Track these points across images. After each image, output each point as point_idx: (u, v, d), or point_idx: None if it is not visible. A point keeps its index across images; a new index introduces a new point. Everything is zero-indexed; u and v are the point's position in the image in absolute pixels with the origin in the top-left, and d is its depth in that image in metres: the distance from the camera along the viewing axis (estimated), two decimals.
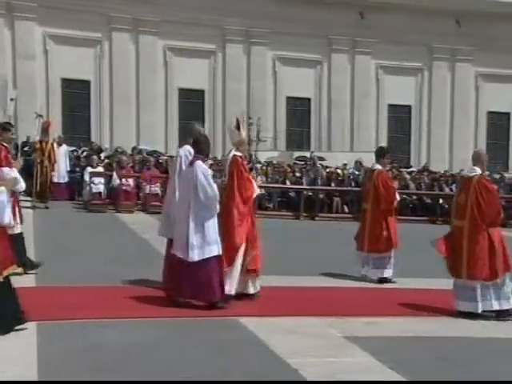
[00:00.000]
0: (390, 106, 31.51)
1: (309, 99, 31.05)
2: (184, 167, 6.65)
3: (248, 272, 6.66)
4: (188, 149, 6.86)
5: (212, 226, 6.18)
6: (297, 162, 24.16)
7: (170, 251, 6.55)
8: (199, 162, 6.26)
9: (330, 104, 31.01)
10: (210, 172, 6.27)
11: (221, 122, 29.76)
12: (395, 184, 8.91)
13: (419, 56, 30.71)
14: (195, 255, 6.08)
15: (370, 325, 6.13)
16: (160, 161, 19.76)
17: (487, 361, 5.23)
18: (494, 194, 6.68)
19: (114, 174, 15.77)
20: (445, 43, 30.51)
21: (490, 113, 32.45)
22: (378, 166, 8.51)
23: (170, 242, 6.63)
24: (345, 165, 22.62)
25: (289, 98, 30.79)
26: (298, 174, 19.87)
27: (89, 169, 16.08)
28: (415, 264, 8.90)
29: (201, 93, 29.68)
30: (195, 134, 6.77)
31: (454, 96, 31.87)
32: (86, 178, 15.74)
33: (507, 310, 6.51)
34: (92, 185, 15.30)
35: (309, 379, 4.55)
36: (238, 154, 6.80)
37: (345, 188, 19.24)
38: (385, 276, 8.29)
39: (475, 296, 6.43)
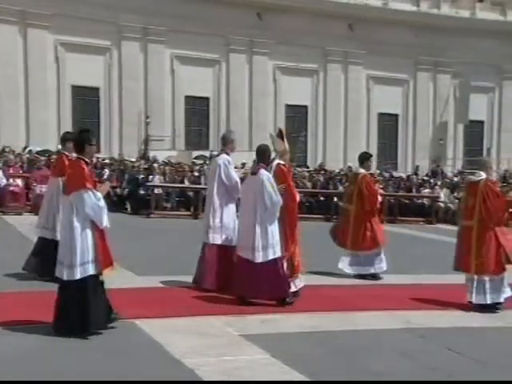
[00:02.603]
0: (288, 106, 32.11)
1: (207, 98, 31.00)
2: (223, 176, 7.26)
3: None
4: (226, 158, 7.40)
5: (275, 229, 6.69)
6: (195, 161, 24.02)
7: (209, 254, 7.30)
8: (263, 171, 6.73)
9: (228, 103, 31.11)
10: (273, 180, 6.71)
11: (117, 121, 28.95)
12: (377, 187, 9.38)
13: (314, 57, 31.55)
14: (261, 256, 6.58)
15: (266, 322, 6.17)
16: (52, 160, 18.90)
17: (382, 354, 5.41)
18: (499, 196, 7.26)
19: (0, 173, 14.92)
20: (338, 46, 31.56)
21: (380, 114, 34.00)
22: (362, 170, 9.03)
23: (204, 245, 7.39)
24: (243, 164, 22.79)
25: (187, 97, 30.52)
26: (196, 174, 19.78)
27: None
28: (318, 259, 9.08)
29: (96, 90, 28.68)
30: (258, 145, 7.18)
31: (348, 97, 33.06)
32: None
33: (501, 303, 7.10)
34: None
35: (204, 379, 4.49)
36: (282, 162, 7.18)
37: None
38: (377, 271, 8.76)
39: (485, 289, 6.99)
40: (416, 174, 26.61)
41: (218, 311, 6.41)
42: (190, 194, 18.28)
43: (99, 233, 5.30)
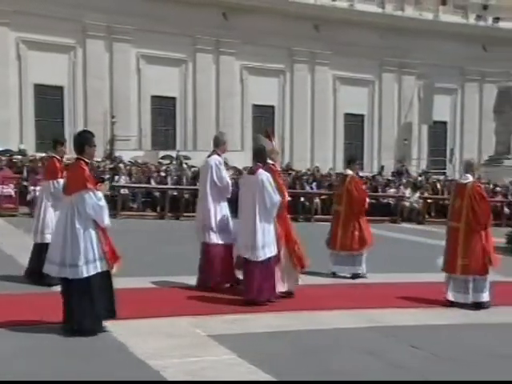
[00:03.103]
0: (255, 106, 32.18)
1: (174, 98, 30.82)
2: (215, 176, 7.37)
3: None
4: (218, 159, 7.52)
5: (272, 227, 6.81)
6: (162, 161, 23.83)
7: (205, 253, 7.40)
8: (262, 171, 6.85)
9: (195, 103, 31.00)
10: (272, 179, 6.86)
11: (82, 121, 28.55)
12: (364, 187, 9.76)
13: (281, 58, 31.69)
14: (260, 255, 6.67)
15: (235, 322, 6.13)
16: (14, 160, 18.53)
17: (348, 353, 5.42)
18: (485, 198, 7.44)
19: None
20: (304, 47, 31.76)
21: (346, 114, 34.33)
22: (350, 172, 9.17)
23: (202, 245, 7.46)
24: None
25: (154, 97, 30.32)
26: (162, 174, 19.61)
27: None
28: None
29: (59, 89, 28.24)
30: (255, 145, 7.38)
31: (314, 98, 33.28)
32: None
33: (486, 302, 7.24)
34: None
35: (169, 380, 4.43)
36: (270, 162, 7.30)
37: None
38: (358, 272, 8.89)
39: (468, 288, 7.15)
40: (380, 173, 26.91)
41: (184, 312, 6.34)
42: (157, 194, 18.12)
43: (102, 231, 5.40)
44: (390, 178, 24.92)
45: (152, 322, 5.96)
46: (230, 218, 7.56)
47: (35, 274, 7.25)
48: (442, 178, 25.91)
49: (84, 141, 5.55)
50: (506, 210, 20.91)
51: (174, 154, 25.47)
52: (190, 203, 18.33)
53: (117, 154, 25.50)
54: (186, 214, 17.41)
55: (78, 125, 28.39)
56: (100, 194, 5.41)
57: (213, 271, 7.39)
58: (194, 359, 4.90)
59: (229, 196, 7.68)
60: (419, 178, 24.87)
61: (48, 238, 7.27)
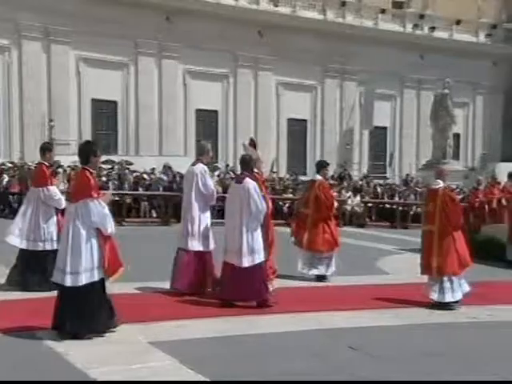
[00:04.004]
0: (198, 110, 32.00)
1: (115, 102, 30.27)
2: (201, 184, 7.50)
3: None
4: (203, 167, 7.65)
5: (259, 235, 7.01)
6: (103, 166, 23.29)
7: (184, 258, 7.47)
8: (249, 179, 7.08)
9: (137, 107, 30.54)
10: (258, 188, 7.07)
11: (18, 124, 27.63)
12: (332, 192, 9.95)
13: (224, 62, 31.63)
14: (247, 261, 6.87)
15: (177, 328, 6.05)
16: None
17: (289, 355, 5.41)
18: (456, 202, 7.86)
19: None
20: (248, 51, 31.83)
21: (289, 119, 34.62)
22: (319, 177, 9.46)
23: (180, 251, 7.56)
24: (153, 169, 22.42)
25: (94, 101, 29.68)
26: (104, 179, 19.21)
27: None
28: None
29: None
30: (243, 155, 7.57)
31: (258, 103, 33.41)
32: None
33: (460, 300, 7.53)
34: None
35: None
36: (255, 170, 7.49)
37: (152, 192, 19.10)
38: (327, 273, 9.09)
39: (444, 288, 7.45)
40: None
41: (129, 318, 6.17)
42: None
43: (104, 239, 5.51)
44: (332, 181, 25.25)
45: None
46: (210, 227, 7.72)
47: (27, 281, 7.26)
48: (382, 181, 26.50)
49: (89, 151, 5.74)
50: None
51: (115, 158, 24.96)
52: (133, 208, 18.07)
53: (56, 158, 24.72)
54: (128, 220, 17.13)
55: (14, 128, 27.54)
56: (104, 203, 5.58)
57: (191, 277, 7.49)
58: (132, 366, 4.80)
59: (213, 203, 7.93)
60: (360, 182, 25.34)
61: (40, 245, 7.32)
